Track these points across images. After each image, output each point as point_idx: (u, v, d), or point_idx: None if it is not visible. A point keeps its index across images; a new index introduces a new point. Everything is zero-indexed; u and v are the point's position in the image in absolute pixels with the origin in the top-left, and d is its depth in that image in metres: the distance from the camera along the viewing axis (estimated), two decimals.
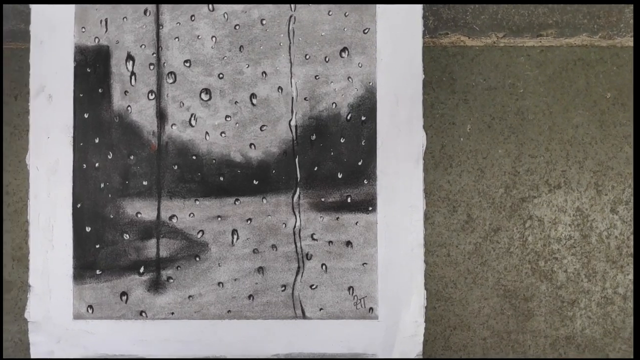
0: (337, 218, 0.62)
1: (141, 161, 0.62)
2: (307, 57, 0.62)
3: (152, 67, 0.62)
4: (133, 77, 0.62)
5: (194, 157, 0.62)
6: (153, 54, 0.62)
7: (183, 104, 0.62)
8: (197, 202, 0.62)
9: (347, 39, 0.62)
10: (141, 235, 0.62)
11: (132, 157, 0.62)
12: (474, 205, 0.66)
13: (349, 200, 0.62)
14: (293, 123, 0.62)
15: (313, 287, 0.62)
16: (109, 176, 0.62)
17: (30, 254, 0.61)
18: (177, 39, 0.62)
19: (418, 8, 0.61)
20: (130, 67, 0.62)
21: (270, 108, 0.62)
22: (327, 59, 0.62)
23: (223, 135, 0.62)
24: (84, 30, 0.62)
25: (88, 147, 0.62)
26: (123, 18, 0.62)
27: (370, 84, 0.62)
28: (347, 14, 0.62)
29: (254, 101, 0.62)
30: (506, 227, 0.67)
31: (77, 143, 0.62)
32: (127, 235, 0.62)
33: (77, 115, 0.61)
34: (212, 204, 0.62)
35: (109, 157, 0.62)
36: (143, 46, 0.62)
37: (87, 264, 0.61)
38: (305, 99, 0.62)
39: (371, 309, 0.62)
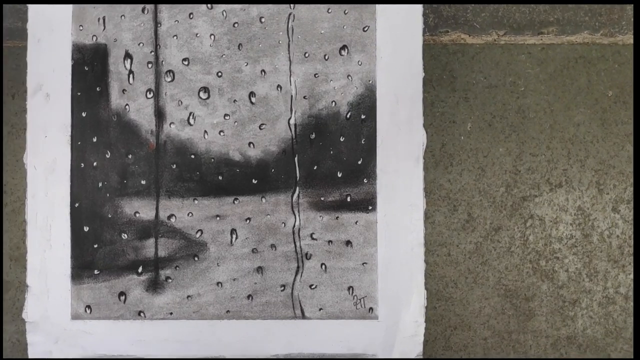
0: (337, 217, 0.61)
1: (139, 160, 0.61)
2: (307, 55, 0.61)
3: (150, 65, 0.61)
4: (131, 76, 0.61)
5: (192, 156, 0.61)
6: (151, 52, 0.61)
7: (181, 102, 0.61)
8: (196, 202, 0.61)
9: (346, 37, 0.61)
10: (139, 235, 0.61)
11: (130, 156, 0.61)
12: (474, 204, 0.66)
13: (348, 199, 0.61)
14: (292, 122, 0.62)
15: (312, 287, 0.62)
16: (107, 175, 0.61)
17: (27, 254, 0.61)
18: (175, 37, 0.61)
19: (418, 6, 0.61)
20: (128, 66, 0.61)
21: (270, 106, 0.62)
22: (326, 57, 0.61)
23: (222, 134, 0.61)
24: (81, 28, 0.61)
25: (86, 146, 0.61)
26: (121, 16, 0.61)
27: (370, 82, 0.61)
28: (346, 12, 0.61)
29: (253, 100, 0.62)
30: (507, 227, 0.66)
31: (75, 142, 0.61)
32: (126, 235, 0.61)
33: (74, 113, 0.61)
34: (210, 203, 0.61)
35: (107, 156, 0.61)
36: (141, 44, 0.61)
37: (85, 263, 0.61)
38: (304, 97, 0.61)
39: (371, 308, 0.62)
